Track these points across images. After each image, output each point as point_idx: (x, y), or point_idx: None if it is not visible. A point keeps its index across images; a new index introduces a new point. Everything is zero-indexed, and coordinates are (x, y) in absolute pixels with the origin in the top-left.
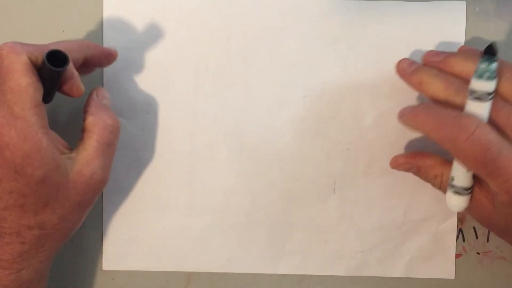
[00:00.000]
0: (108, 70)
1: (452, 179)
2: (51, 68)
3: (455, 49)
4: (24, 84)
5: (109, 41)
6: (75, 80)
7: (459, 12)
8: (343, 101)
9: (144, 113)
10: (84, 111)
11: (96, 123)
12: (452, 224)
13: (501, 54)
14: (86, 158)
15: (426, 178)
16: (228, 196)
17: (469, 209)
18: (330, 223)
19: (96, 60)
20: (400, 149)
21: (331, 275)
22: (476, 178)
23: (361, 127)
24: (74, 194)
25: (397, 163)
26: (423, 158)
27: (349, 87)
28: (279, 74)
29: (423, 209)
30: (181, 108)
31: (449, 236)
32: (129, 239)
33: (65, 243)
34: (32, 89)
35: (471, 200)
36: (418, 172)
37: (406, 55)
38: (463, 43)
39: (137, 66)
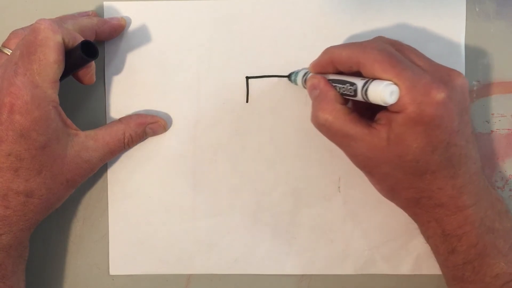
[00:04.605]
0: (110, 75)
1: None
2: (83, 56)
3: (454, 47)
4: (51, 59)
5: (110, 46)
6: (91, 69)
7: (459, 12)
8: None
9: None
10: (129, 115)
11: (118, 131)
12: None
13: (501, 54)
14: (90, 146)
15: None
16: (233, 197)
17: (359, 147)
18: (336, 221)
19: (106, 35)
20: None
21: (332, 274)
22: (375, 111)
23: None
24: (67, 170)
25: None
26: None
27: None
28: (281, 73)
29: None
30: (184, 111)
31: None
32: (135, 243)
33: (44, 217)
34: (57, 66)
35: (366, 134)
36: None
37: None
38: (463, 42)
39: (139, 69)
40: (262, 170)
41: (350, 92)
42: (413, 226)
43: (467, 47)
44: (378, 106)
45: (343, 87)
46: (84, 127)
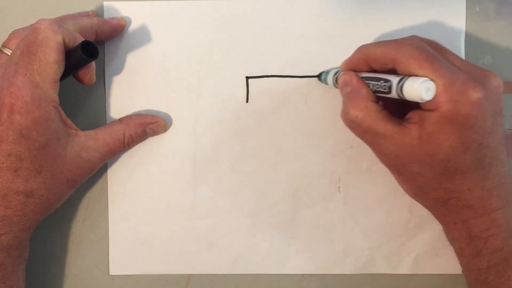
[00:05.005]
0: (110, 75)
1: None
2: (83, 56)
3: (454, 47)
4: (52, 60)
5: (110, 46)
6: (92, 70)
7: (459, 12)
8: None
9: None
10: (130, 115)
11: (118, 131)
12: None
13: (501, 54)
14: (90, 146)
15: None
16: (232, 197)
17: (389, 145)
18: (335, 221)
19: (106, 35)
20: None
21: (332, 274)
22: (407, 108)
23: None
24: (67, 170)
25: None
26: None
27: None
28: (280, 73)
29: None
30: (184, 111)
31: None
32: (135, 243)
33: (44, 217)
34: (57, 66)
35: (396, 132)
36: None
37: None
38: (463, 42)
39: (139, 69)
40: (262, 170)
41: (384, 89)
42: (412, 225)
43: (467, 47)
44: (408, 106)
45: (377, 84)
46: (84, 127)
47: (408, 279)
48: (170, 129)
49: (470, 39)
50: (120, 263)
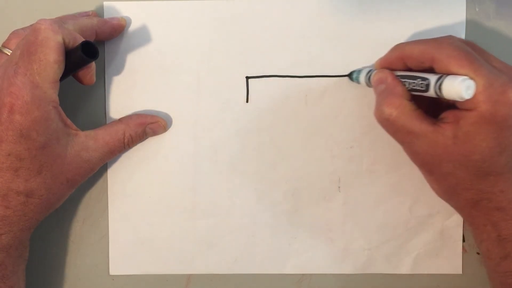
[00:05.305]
0: (110, 75)
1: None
2: (83, 56)
3: None
4: (52, 60)
5: (110, 46)
6: (92, 70)
7: (459, 12)
8: (345, 99)
9: None
10: (130, 115)
11: (118, 131)
12: (458, 219)
13: (501, 54)
14: (90, 146)
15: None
16: (232, 197)
17: (422, 144)
18: (335, 221)
19: (106, 35)
20: None
21: (332, 274)
22: (443, 107)
23: (364, 124)
24: (67, 170)
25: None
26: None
27: (351, 84)
28: (280, 73)
29: (428, 205)
30: (184, 111)
31: (455, 231)
32: (135, 243)
33: (44, 217)
34: (57, 66)
35: (430, 132)
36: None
37: None
38: None
39: (139, 69)
40: (262, 170)
41: (421, 87)
42: (412, 225)
43: None
44: (441, 106)
45: (413, 83)
46: (84, 127)
47: (408, 279)
48: (170, 129)
49: (470, 39)
50: (120, 263)
